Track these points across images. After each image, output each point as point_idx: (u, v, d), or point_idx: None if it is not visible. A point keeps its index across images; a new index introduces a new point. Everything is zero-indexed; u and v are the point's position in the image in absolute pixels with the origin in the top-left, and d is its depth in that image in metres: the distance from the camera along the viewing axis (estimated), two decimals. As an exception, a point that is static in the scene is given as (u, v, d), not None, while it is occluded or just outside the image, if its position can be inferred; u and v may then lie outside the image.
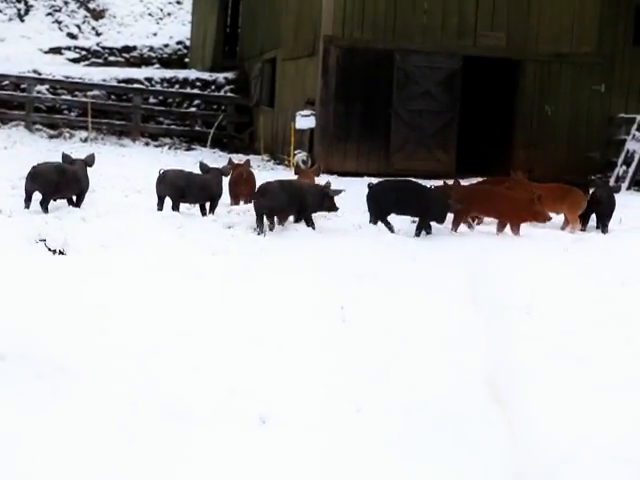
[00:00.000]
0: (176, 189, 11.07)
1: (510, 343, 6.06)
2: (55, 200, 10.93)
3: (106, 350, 5.44)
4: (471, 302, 7.31)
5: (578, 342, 6.02)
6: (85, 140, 24.92)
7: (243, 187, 12.42)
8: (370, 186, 10.92)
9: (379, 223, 10.87)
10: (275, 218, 10.56)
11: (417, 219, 10.97)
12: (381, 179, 11.38)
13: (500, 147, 21.67)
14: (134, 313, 6.25)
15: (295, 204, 10.62)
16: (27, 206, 10.69)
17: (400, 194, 10.81)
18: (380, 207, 10.79)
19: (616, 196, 12.29)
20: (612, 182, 19.17)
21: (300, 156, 20.00)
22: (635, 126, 19.99)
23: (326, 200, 10.76)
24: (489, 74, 22.25)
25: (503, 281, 7.94)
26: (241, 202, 12.37)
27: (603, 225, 11.90)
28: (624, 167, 19.72)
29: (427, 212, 10.82)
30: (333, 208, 10.83)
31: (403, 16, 20.05)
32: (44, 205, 10.61)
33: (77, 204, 11.04)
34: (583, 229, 11.97)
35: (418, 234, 10.76)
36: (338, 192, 10.81)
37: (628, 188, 18.77)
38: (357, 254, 9.04)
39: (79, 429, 4.46)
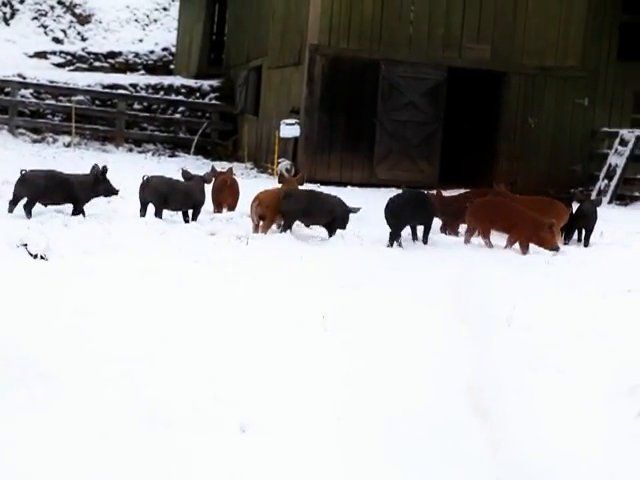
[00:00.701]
0: (159, 195, 11.07)
1: (492, 354, 6.08)
2: (46, 206, 10.91)
3: (89, 356, 5.42)
4: (454, 313, 7.32)
5: (559, 354, 6.04)
6: (68, 145, 24.88)
7: (226, 195, 12.42)
8: (393, 200, 10.98)
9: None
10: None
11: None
12: (399, 192, 11.51)
13: (483, 159, 21.75)
14: (117, 319, 6.23)
15: (323, 214, 10.88)
16: (11, 210, 10.66)
17: (415, 205, 11.00)
18: (399, 220, 10.88)
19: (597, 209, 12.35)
20: (594, 195, 19.25)
21: (284, 164, 20.02)
22: (618, 140, 20.09)
23: (346, 217, 10.99)
24: (474, 86, 22.35)
25: (486, 292, 7.96)
26: (224, 209, 12.36)
27: (586, 238, 11.94)
28: (606, 181, 19.82)
29: (431, 220, 11.18)
30: (344, 227, 11.03)
31: (389, 26, 20.12)
32: (27, 209, 10.58)
33: (75, 212, 10.95)
34: (566, 242, 12.00)
35: (426, 241, 11.07)
36: (356, 210, 11.07)
37: (609, 202, 18.87)
38: (340, 263, 9.05)
39: (60, 435, 4.44)
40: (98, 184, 11.06)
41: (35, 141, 25.30)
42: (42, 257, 8.16)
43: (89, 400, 4.84)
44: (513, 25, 20.73)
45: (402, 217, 10.82)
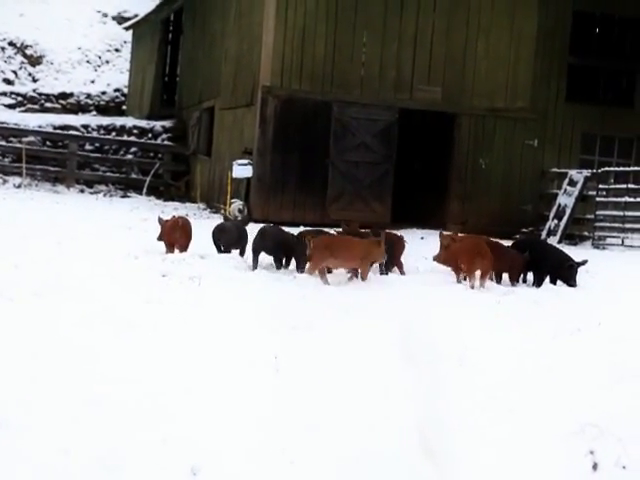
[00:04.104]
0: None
1: (443, 394, 6.09)
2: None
3: (38, 402, 5.35)
4: (405, 353, 7.33)
5: (510, 393, 6.06)
6: (19, 186, 24.69)
7: (178, 235, 12.37)
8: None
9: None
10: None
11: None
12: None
13: (435, 199, 21.91)
14: (66, 363, 6.17)
15: None
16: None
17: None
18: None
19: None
20: (544, 235, 19.48)
21: (236, 205, 20.03)
22: (567, 180, 20.36)
23: None
24: (425, 127, 22.56)
25: (437, 332, 7.98)
26: (176, 250, 12.29)
27: (539, 279, 11.97)
28: (555, 221, 20.05)
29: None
30: None
31: (341, 68, 20.29)
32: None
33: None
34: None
35: (387, 273, 11.76)
36: None
37: (559, 241, 19.07)
38: (292, 304, 9.04)
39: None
40: None
41: (-15, 182, 25.10)
42: (-9, 300, 8.05)
43: (39, 444, 4.77)
44: (463, 67, 21.00)
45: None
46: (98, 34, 35.93)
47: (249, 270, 11.26)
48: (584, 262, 11.80)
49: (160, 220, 12.56)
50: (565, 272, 11.72)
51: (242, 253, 12.24)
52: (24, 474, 4.44)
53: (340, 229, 13.35)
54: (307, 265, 10.91)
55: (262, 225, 12.32)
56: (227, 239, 12.15)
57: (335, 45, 20.24)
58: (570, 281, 11.68)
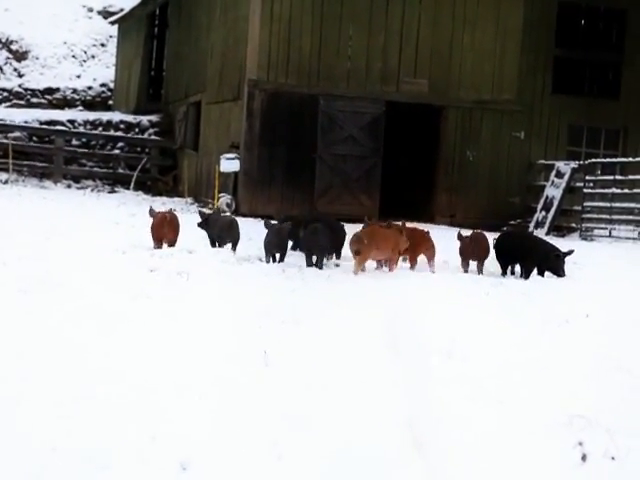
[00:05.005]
0: None
1: (432, 387, 6.10)
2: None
3: (25, 397, 5.33)
4: (394, 346, 7.34)
5: (499, 385, 6.08)
6: (5, 182, 24.62)
7: (166, 230, 12.34)
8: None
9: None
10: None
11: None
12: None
13: (423, 192, 21.93)
14: (53, 360, 6.15)
15: None
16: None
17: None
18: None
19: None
20: (532, 227, 19.52)
21: (224, 199, 20.01)
22: (554, 172, 20.41)
23: None
24: (412, 119, 22.58)
25: (425, 325, 7.99)
26: (164, 245, 12.27)
27: (527, 271, 12.01)
28: (543, 212, 20.10)
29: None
30: None
31: (327, 61, 20.30)
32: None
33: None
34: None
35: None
36: None
37: (547, 233, 19.14)
38: (281, 298, 9.03)
39: (-6, 478, 4.36)
40: None
41: (-29, 178, 25.02)
42: (-23, 296, 8.02)
43: (26, 441, 4.76)
44: (449, 59, 21.03)
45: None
46: (84, 29, 35.81)
47: (237, 264, 11.24)
48: (570, 252, 11.83)
49: (151, 211, 12.52)
50: (552, 262, 11.75)
51: (234, 247, 12.21)
52: (11, 473, 4.43)
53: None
54: (356, 259, 10.96)
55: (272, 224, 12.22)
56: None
57: (321, 38, 20.24)
58: (559, 271, 11.71)
